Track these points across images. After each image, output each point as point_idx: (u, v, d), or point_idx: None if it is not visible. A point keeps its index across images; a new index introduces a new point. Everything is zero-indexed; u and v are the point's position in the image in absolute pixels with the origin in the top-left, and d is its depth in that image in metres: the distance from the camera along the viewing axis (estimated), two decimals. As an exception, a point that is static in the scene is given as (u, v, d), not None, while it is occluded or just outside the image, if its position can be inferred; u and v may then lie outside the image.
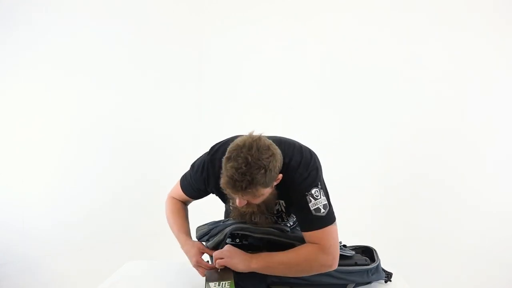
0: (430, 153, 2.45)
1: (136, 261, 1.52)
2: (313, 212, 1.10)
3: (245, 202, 1.09)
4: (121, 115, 2.69)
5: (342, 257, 1.21)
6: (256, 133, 1.07)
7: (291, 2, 2.80)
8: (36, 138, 2.36)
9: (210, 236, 1.25)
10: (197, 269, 1.22)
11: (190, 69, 3.02)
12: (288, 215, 1.27)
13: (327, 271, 1.12)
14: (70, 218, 2.48)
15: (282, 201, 1.22)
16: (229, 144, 1.09)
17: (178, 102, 2.98)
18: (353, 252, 1.29)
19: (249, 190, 1.00)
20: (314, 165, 1.15)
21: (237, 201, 1.08)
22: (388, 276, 1.31)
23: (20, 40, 2.26)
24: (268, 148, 1.04)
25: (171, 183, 2.56)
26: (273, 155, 1.04)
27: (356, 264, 1.24)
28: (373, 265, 1.26)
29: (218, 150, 1.22)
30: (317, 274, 1.16)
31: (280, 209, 1.25)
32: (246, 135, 1.07)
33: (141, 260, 1.55)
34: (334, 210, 1.15)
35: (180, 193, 1.35)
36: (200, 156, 1.29)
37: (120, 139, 2.69)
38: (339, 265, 1.16)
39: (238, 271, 1.13)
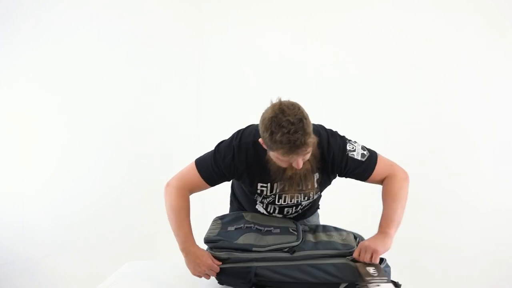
0: (430, 153, 2.45)
1: (136, 261, 1.53)
2: (362, 159, 1.25)
3: (302, 161, 1.13)
4: (121, 115, 2.68)
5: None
6: (274, 100, 1.14)
7: (292, 1, 2.80)
8: (36, 138, 2.36)
9: (216, 247, 1.23)
10: (204, 274, 1.23)
11: (189, 68, 3.01)
12: (316, 193, 1.32)
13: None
14: (70, 218, 2.48)
15: (315, 174, 1.27)
16: (249, 129, 1.25)
17: (178, 102, 2.97)
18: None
19: (308, 140, 1.08)
20: (334, 131, 1.31)
21: (296, 163, 1.12)
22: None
23: (21, 38, 2.26)
24: (291, 103, 1.12)
25: (171, 183, 2.48)
26: (298, 105, 1.13)
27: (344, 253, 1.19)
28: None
29: (243, 135, 1.28)
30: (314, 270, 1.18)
31: (309, 186, 1.27)
32: (268, 109, 1.12)
33: (141, 260, 1.55)
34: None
35: (194, 179, 1.30)
36: (223, 141, 1.31)
37: (120, 139, 2.68)
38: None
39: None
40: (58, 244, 2.43)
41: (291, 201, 1.32)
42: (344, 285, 1.19)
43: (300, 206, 1.37)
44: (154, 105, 2.83)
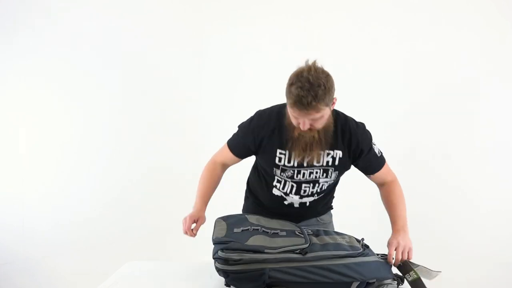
0: (433, 152, 2.45)
1: (136, 261, 1.52)
2: (378, 155, 1.42)
3: (309, 125, 1.23)
4: (121, 115, 2.68)
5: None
6: (310, 60, 1.23)
7: (292, 1, 2.80)
8: (36, 138, 2.36)
9: (227, 248, 1.21)
10: (185, 223, 1.39)
11: (189, 68, 3.02)
12: (335, 170, 1.38)
13: None
14: (70, 218, 2.48)
15: (339, 152, 1.36)
16: (271, 106, 1.39)
17: (178, 102, 2.97)
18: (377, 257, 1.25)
19: (314, 103, 1.16)
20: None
21: (302, 124, 1.23)
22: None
23: (21, 38, 2.26)
24: (323, 70, 1.22)
25: (172, 183, 2.60)
26: (328, 75, 1.22)
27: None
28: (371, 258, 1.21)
29: (266, 108, 1.42)
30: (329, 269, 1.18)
31: (330, 162, 1.36)
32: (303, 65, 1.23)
33: (141, 260, 1.55)
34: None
35: (226, 154, 1.50)
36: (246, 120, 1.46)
37: (120, 139, 2.69)
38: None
39: None
40: (58, 244, 2.43)
41: (309, 176, 1.37)
42: (356, 283, 1.19)
43: (317, 185, 1.40)
44: (154, 105, 2.84)
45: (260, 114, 1.42)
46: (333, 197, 1.59)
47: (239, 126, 1.47)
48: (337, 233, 1.34)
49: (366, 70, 2.58)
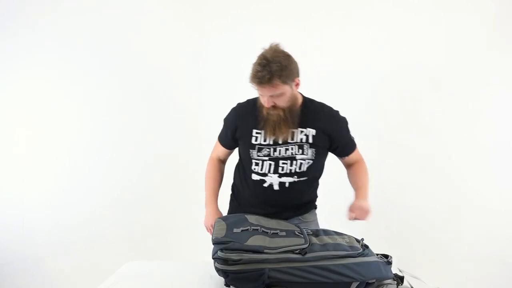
0: (433, 152, 2.45)
1: (136, 261, 1.52)
2: (353, 139, 1.56)
3: (272, 103, 1.37)
4: (121, 115, 2.68)
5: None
6: (274, 43, 1.37)
7: (292, 1, 2.80)
8: (36, 138, 2.36)
9: (226, 248, 1.20)
10: (207, 228, 1.58)
11: (189, 68, 3.02)
12: (309, 147, 1.45)
13: None
14: (70, 218, 2.48)
15: (312, 130, 1.45)
16: (248, 99, 1.54)
17: (178, 102, 2.97)
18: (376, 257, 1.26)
19: (268, 77, 1.29)
20: None
21: (266, 101, 1.36)
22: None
23: (22, 38, 2.26)
24: (283, 51, 1.36)
25: (171, 184, 2.61)
26: (288, 56, 1.35)
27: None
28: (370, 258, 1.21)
29: (242, 102, 1.57)
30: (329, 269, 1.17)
31: (304, 139, 1.45)
32: None
33: (141, 260, 1.55)
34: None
35: (218, 149, 1.65)
36: None
37: (120, 139, 2.68)
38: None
39: None
40: (58, 244, 2.43)
41: (285, 152, 1.45)
42: (356, 284, 1.19)
43: (295, 163, 1.45)
44: (154, 105, 2.84)
45: (239, 103, 1.58)
46: (317, 195, 1.62)
47: (223, 119, 1.60)
48: (337, 233, 1.35)
49: (366, 69, 2.58)
